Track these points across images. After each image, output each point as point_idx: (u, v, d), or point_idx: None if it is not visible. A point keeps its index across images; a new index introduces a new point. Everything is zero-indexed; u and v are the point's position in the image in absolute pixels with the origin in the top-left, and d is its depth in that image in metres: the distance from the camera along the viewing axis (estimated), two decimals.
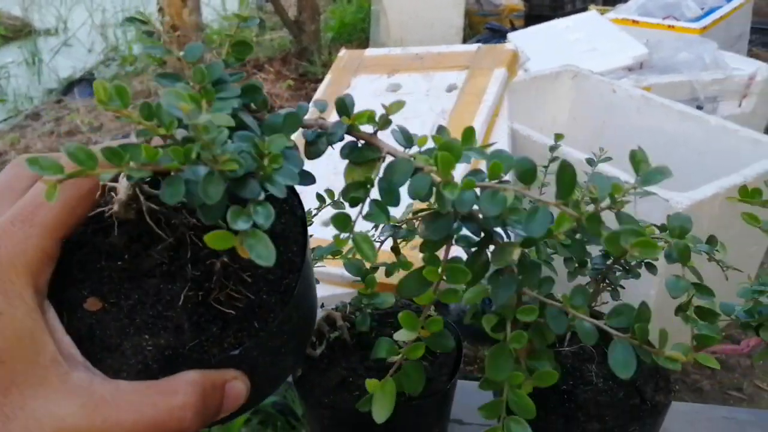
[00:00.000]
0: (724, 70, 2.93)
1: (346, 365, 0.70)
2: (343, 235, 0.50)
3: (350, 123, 0.50)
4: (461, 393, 0.79)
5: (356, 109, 0.51)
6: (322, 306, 0.77)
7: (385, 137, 0.52)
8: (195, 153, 0.36)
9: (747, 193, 0.67)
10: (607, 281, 0.72)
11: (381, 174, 0.49)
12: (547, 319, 0.56)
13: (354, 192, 0.50)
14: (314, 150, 0.51)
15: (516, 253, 0.49)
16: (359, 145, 0.52)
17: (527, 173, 0.47)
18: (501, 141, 1.82)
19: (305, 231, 0.48)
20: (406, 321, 0.55)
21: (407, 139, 0.52)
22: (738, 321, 0.72)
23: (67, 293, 0.42)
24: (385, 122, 0.52)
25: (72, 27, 5.71)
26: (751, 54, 4.02)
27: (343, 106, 0.51)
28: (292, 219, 0.48)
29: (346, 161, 0.51)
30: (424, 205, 0.76)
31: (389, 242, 0.75)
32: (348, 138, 0.52)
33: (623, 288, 0.72)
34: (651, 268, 0.72)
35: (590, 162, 0.84)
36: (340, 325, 0.72)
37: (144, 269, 0.43)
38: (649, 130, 2.10)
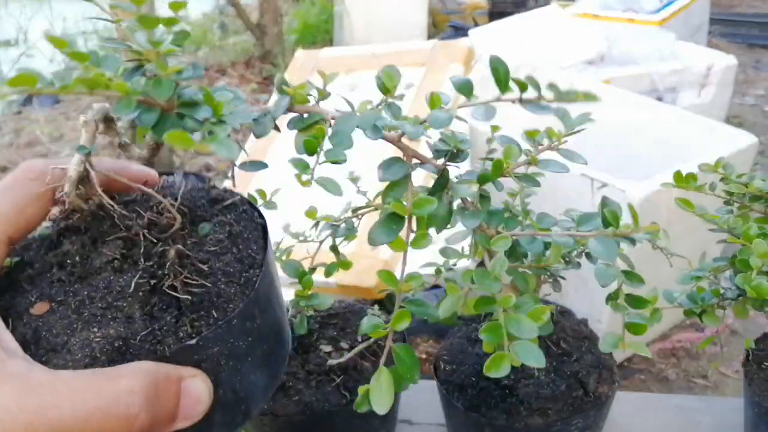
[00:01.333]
0: (682, 61, 2.96)
1: (288, 369, 0.69)
2: (305, 177, 0.51)
3: (291, 95, 0.50)
4: (410, 391, 0.77)
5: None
6: None
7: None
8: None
9: (681, 179, 0.67)
10: (548, 272, 0.71)
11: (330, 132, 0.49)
12: (524, 247, 0.58)
13: (308, 147, 0.49)
14: (260, 128, 0.50)
15: (473, 187, 0.53)
16: (303, 117, 0.52)
17: (465, 86, 0.54)
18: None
19: (266, 235, 0.47)
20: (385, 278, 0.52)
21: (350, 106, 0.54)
22: (682, 308, 0.72)
23: (14, 302, 0.40)
24: (322, 94, 0.52)
25: (32, 37, 5.61)
26: (710, 44, 4.07)
27: (282, 82, 0.50)
28: (251, 224, 0.47)
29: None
30: (363, 203, 0.75)
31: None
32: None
33: (564, 279, 0.72)
34: (591, 258, 0.72)
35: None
36: None
37: (95, 267, 0.41)
38: (608, 121, 2.11)
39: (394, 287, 0.53)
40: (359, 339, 0.73)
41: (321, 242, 0.74)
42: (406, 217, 0.51)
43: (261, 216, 0.49)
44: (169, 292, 0.40)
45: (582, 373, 0.67)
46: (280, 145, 1.91)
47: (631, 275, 0.55)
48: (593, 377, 0.67)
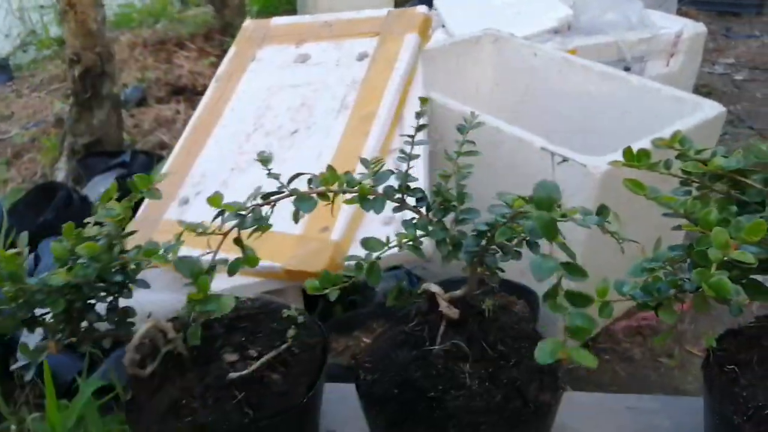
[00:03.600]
0: (650, 29, 2.87)
1: (181, 384, 0.59)
2: None
3: None
4: (335, 400, 0.69)
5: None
6: (149, 316, 0.65)
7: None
8: None
9: (632, 156, 0.58)
10: (484, 265, 0.62)
11: None
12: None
13: None
14: None
15: None
16: None
17: None
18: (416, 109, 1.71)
19: None
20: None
21: None
22: (635, 300, 0.64)
23: None
24: None
25: None
26: (680, 12, 3.99)
27: None
28: None
29: None
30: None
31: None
32: None
33: (503, 271, 0.63)
34: (533, 247, 0.63)
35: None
36: (173, 338, 0.60)
37: None
38: (572, 93, 2.03)
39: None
40: (272, 345, 0.63)
41: (225, 234, 0.64)
42: None
43: None
44: None
45: (520, 380, 0.58)
46: (228, 120, 1.79)
47: (572, 268, 0.46)
48: (533, 385, 0.59)
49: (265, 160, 0.67)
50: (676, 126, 1.71)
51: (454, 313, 0.61)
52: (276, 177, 0.67)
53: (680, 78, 2.87)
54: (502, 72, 2.23)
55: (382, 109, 1.67)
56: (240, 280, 1.53)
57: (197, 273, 0.59)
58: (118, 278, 0.59)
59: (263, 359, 0.60)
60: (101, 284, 0.59)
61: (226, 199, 0.64)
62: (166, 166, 1.79)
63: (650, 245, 0.62)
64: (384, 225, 1.56)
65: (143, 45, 4.46)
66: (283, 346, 0.62)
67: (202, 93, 4.15)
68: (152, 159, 2.56)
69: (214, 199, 0.64)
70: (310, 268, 1.58)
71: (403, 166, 0.67)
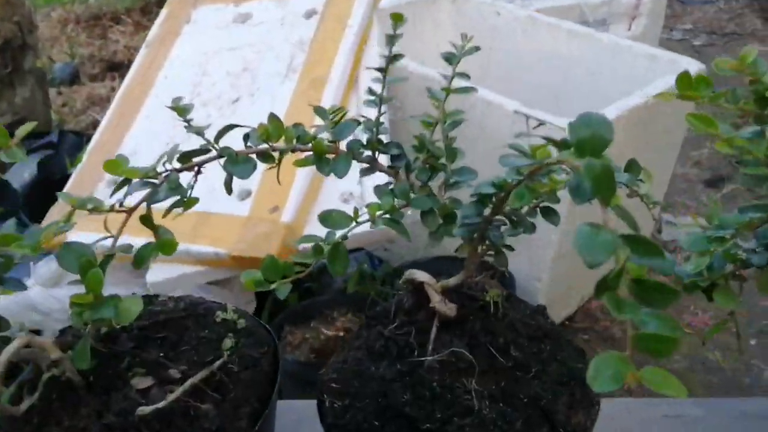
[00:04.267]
0: None
1: (71, 423, 0.42)
2: None
3: None
4: (296, 422, 0.52)
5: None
6: (21, 330, 0.47)
7: None
8: None
9: (688, 84, 0.42)
10: (487, 242, 0.46)
11: None
12: None
13: None
14: None
15: None
16: None
17: None
18: (372, 72, 1.54)
19: None
20: None
21: None
22: (680, 280, 0.49)
23: None
24: None
25: None
26: None
27: None
28: None
29: None
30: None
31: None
32: None
33: (512, 249, 0.47)
34: (550, 214, 0.47)
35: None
36: (58, 359, 0.42)
37: None
38: (538, 53, 1.89)
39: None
40: (201, 361, 0.46)
41: (129, 211, 0.46)
42: None
43: None
44: None
45: (546, 397, 0.42)
46: (160, 89, 1.59)
47: (640, 243, 0.30)
48: (562, 401, 0.43)
49: (198, 131, 0.50)
50: (653, 86, 1.58)
51: (450, 309, 0.45)
52: (200, 133, 0.50)
53: (643, 41, 2.75)
54: (463, 33, 2.07)
55: (335, 72, 1.49)
56: (179, 269, 1.35)
57: (86, 265, 0.41)
58: None
59: (188, 383, 0.43)
60: None
61: None
62: (92, 143, 1.59)
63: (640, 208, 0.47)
64: (343, 202, 1.39)
65: (75, 21, 4.20)
66: (217, 363, 0.45)
67: None
68: (82, 139, 2.34)
69: (113, 163, 0.46)
70: (259, 254, 1.40)
71: (372, 113, 0.50)
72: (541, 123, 1.38)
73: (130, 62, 3.73)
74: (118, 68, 3.63)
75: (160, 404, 0.42)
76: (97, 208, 0.44)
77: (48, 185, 1.98)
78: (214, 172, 0.50)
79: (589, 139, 0.32)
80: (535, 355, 0.45)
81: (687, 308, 1.75)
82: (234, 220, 1.35)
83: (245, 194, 1.37)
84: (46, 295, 1.29)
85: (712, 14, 4.05)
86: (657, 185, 1.72)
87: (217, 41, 1.65)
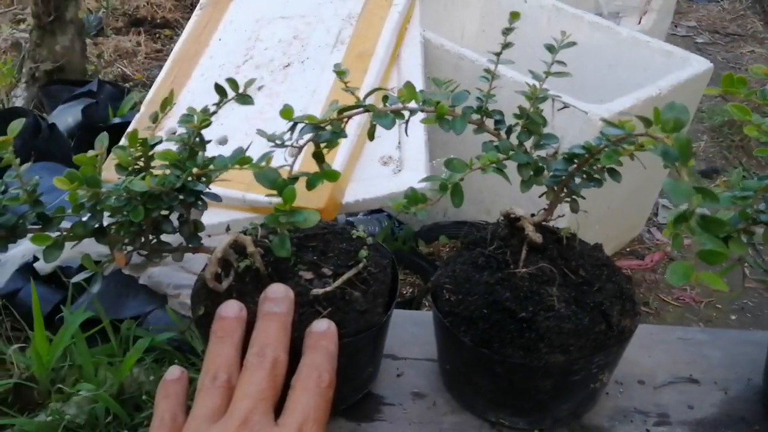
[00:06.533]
0: None
1: (259, 298, 0.57)
2: None
3: None
4: (393, 325, 0.68)
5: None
6: (228, 229, 0.62)
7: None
8: None
9: (730, 82, 0.58)
10: (566, 190, 0.62)
11: None
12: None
13: None
14: None
15: None
16: None
17: None
18: (413, 50, 1.68)
19: None
20: None
21: None
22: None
23: None
24: None
25: None
26: None
27: None
28: None
29: None
30: (351, 102, 0.62)
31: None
32: None
33: (583, 198, 0.62)
34: (614, 174, 0.62)
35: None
36: (251, 252, 0.58)
37: None
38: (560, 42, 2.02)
39: None
40: (344, 264, 0.61)
41: (300, 147, 0.62)
42: None
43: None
44: None
45: (605, 304, 0.58)
46: (215, 50, 1.72)
47: (706, 192, 0.46)
48: (617, 309, 0.59)
49: (340, 73, 0.64)
50: (666, 80, 1.73)
51: (538, 237, 0.61)
52: (352, 91, 0.65)
53: (651, 36, 2.90)
54: (490, 16, 2.21)
55: (380, 47, 1.63)
56: (233, 215, 1.50)
57: (281, 184, 0.56)
58: (200, 188, 0.56)
59: (345, 275, 0.58)
60: (179, 195, 0.55)
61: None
62: (149, 95, 1.71)
63: (641, 190, 0.63)
64: (383, 165, 1.54)
65: None
66: (361, 264, 0.60)
67: (161, 26, 3.98)
68: (120, 91, 2.45)
69: (287, 111, 0.61)
70: (309, 206, 1.55)
71: (485, 85, 0.65)
72: (566, 106, 1.53)
73: (152, 19, 3.82)
74: (141, 24, 3.71)
75: (328, 288, 0.57)
76: (281, 144, 0.59)
77: (92, 131, 2.11)
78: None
79: (672, 119, 0.48)
80: (596, 276, 0.61)
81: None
82: (286, 175, 1.49)
83: (296, 152, 1.51)
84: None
85: (716, 14, 4.19)
86: (659, 170, 1.88)
87: (271, 10, 1.77)
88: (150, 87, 1.80)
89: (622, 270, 0.65)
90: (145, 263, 1.56)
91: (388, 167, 1.52)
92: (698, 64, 1.78)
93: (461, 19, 2.20)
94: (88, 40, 3.07)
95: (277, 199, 0.57)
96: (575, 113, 1.53)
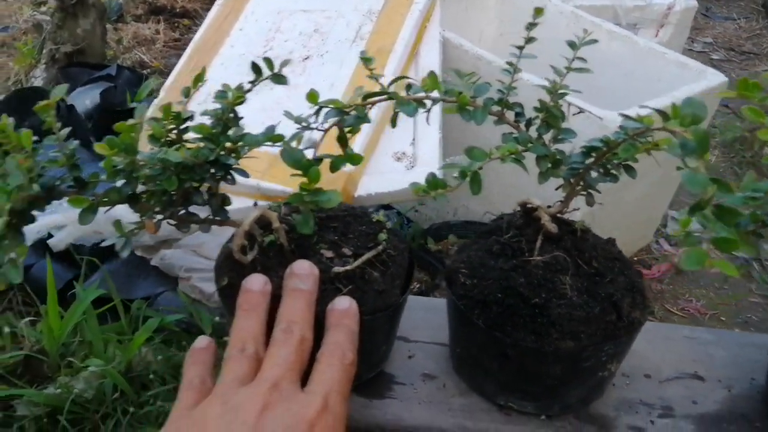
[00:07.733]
0: None
1: (282, 273, 0.59)
2: None
3: None
4: (406, 309, 0.69)
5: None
6: (255, 204, 0.64)
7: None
8: None
9: (747, 86, 0.60)
10: (582, 183, 0.64)
11: None
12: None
13: None
14: None
15: None
16: None
17: None
18: (432, 49, 1.70)
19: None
20: None
21: None
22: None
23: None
24: None
25: None
26: None
27: None
28: None
29: None
30: (376, 88, 0.64)
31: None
32: None
33: (599, 192, 0.64)
34: (630, 170, 0.64)
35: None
36: (276, 228, 0.60)
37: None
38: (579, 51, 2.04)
39: None
40: (364, 246, 0.63)
41: (325, 131, 0.63)
42: None
43: None
44: None
45: (616, 295, 0.60)
46: (236, 40, 1.74)
47: (721, 184, 0.47)
48: (627, 301, 0.61)
49: (366, 59, 0.66)
50: (680, 91, 1.75)
51: (553, 227, 0.62)
52: (376, 78, 0.66)
53: (668, 49, 2.92)
54: (508, 21, 2.22)
55: (399, 43, 1.65)
56: (249, 203, 1.52)
57: (307, 164, 0.58)
58: (231, 162, 0.58)
59: (366, 256, 0.60)
60: (211, 168, 0.57)
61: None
62: (169, 81, 1.74)
63: (651, 201, 0.64)
64: (396, 160, 1.56)
65: None
66: (380, 246, 0.62)
67: (180, 15, 4.01)
68: (139, 76, 2.48)
69: (312, 95, 0.63)
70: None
71: (507, 79, 0.67)
72: (581, 110, 1.54)
73: (172, 8, 3.85)
74: (160, 12, 3.73)
75: (349, 267, 0.59)
76: (307, 126, 0.61)
77: (110, 114, 2.13)
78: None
79: (691, 114, 0.49)
80: (609, 268, 0.63)
81: (683, 295, 1.94)
82: None
83: (312, 144, 1.53)
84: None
85: (732, 31, 4.20)
86: (669, 180, 1.90)
87: (292, 2, 1.80)
88: (167, 75, 1.82)
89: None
90: (158, 245, 1.58)
91: (401, 163, 1.54)
92: (713, 78, 1.80)
93: (480, 23, 2.22)
94: (108, 26, 3.10)
95: (290, 189, 0.59)
96: (590, 118, 1.54)
